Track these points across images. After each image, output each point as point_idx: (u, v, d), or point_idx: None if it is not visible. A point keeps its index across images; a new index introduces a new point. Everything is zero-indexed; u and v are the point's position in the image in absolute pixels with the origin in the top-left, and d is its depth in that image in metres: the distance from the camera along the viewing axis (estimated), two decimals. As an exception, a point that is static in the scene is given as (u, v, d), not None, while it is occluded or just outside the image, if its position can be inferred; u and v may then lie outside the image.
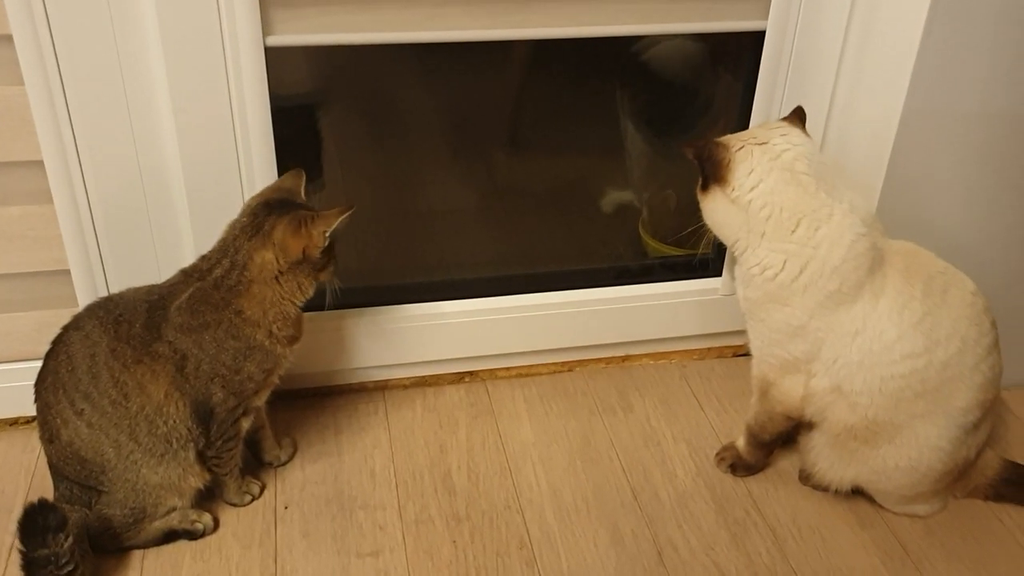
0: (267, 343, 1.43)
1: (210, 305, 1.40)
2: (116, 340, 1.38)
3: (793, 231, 1.41)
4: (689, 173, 1.51)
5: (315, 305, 1.51)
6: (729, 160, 1.43)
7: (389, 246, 2.00)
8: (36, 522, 1.33)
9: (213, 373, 1.41)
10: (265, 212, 1.41)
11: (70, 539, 1.33)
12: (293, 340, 1.47)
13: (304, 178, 1.48)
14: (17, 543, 1.33)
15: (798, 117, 1.50)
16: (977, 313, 1.45)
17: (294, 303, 1.44)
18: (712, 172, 1.45)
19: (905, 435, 1.46)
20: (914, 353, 1.41)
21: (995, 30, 1.50)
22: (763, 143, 1.43)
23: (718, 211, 1.46)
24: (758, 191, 1.42)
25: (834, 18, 1.57)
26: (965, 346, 1.42)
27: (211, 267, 1.41)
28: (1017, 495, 1.61)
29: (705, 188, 1.47)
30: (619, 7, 1.53)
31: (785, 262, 1.42)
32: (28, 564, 1.32)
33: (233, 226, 1.42)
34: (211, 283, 1.40)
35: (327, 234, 1.40)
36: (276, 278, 1.41)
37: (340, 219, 1.40)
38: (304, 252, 1.40)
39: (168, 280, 1.45)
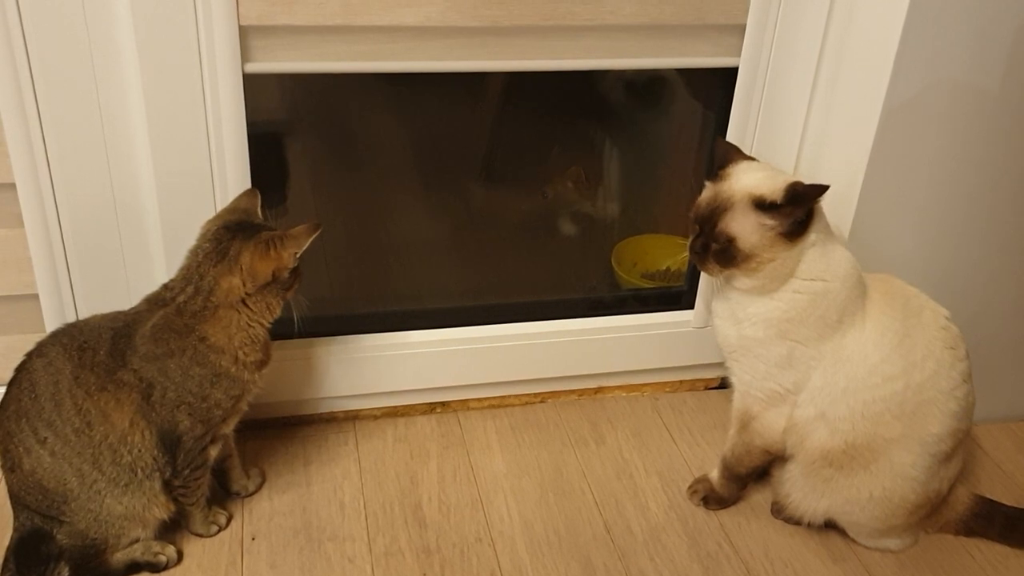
0: (233, 369, 1.41)
1: (174, 332, 1.38)
2: (80, 367, 1.36)
3: (826, 269, 1.42)
4: (668, 203, 1.51)
5: (285, 332, 1.50)
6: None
7: (361, 275, 2.00)
8: (38, 551, 1.32)
9: (179, 401, 1.39)
10: (228, 236, 1.39)
11: (67, 570, 1.31)
12: (261, 365, 1.45)
13: (259, 197, 1.47)
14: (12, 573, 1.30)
15: (743, 154, 1.50)
16: (952, 337, 1.47)
17: (263, 325, 1.43)
18: (810, 215, 1.39)
19: (880, 463, 1.47)
20: (894, 375, 1.43)
21: (963, 72, 1.53)
22: None
23: (797, 257, 1.40)
24: (822, 234, 1.42)
25: (806, 55, 1.59)
26: (940, 368, 1.44)
27: (175, 295, 1.39)
28: (988, 530, 1.62)
29: (801, 234, 1.39)
30: (593, 41, 1.55)
31: (810, 301, 1.42)
32: None
33: (195, 252, 1.40)
34: (174, 309, 1.38)
35: (298, 255, 1.39)
36: (243, 301, 1.39)
37: (311, 239, 1.39)
38: (274, 274, 1.39)
39: (133, 308, 1.43)
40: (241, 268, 1.37)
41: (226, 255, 1.38)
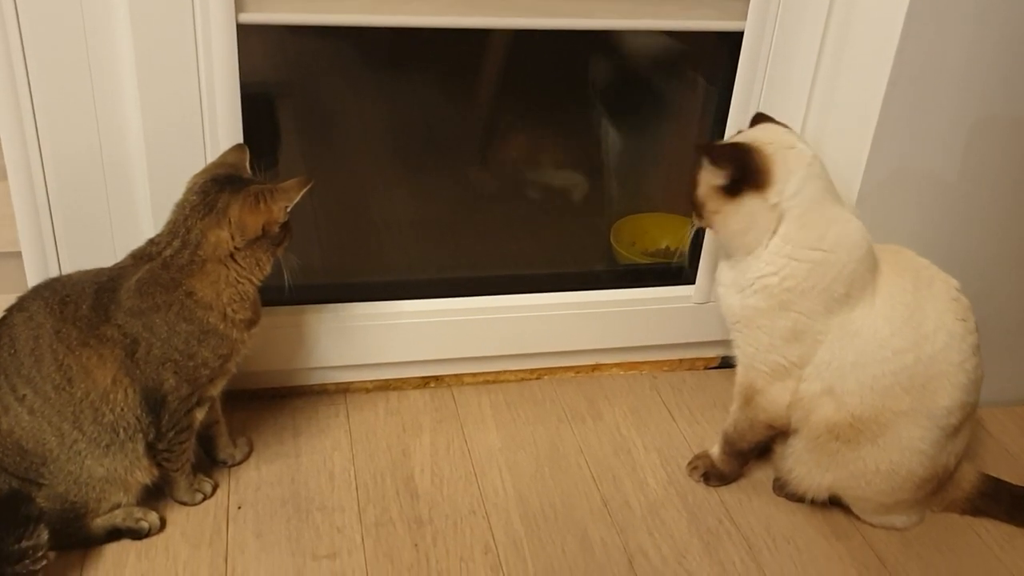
0: (222, 327, 1.37)
1: (160, 286, 1.33)
2: (61, 321, 1.31)
3: (823, 238, 1.39)
4: (669, 176, 1.48)
5: (274, 298, 1.46)
6: (770, 166, 1.38)
7: (356, 244, 1.96)
8: (17, 512, 1.25)
9: (165, 358, 1.34)
10: (216, 189, 1.34)
11: (47, 532, 1.26)
12: (251, 324, 1.41)
13: (248, 153, 1.43)
14: None
15: (769, 119, 1.48)
16: (963, 309, 1.44)
17: (252, 282, 1.38)
18: (749, 178, 1.38)
19: (888, 436, 1.43)
20: (904, 348, 1.40)
21: (972, 29, 1.50)
22: (793, 148, 1.40)
23: (746, 217, 1.40)
24: (799, 199, 1.38)
25: (812, 18, 1.56)
26: (951, 340, 1.41)
27: (161, 249, 1.35)
28: (994, 509, 1.58)
29: (737, 193, 1.39)
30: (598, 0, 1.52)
31: (809, 270, 1.39)
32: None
33: (182, 206, 1.35)
34: (161, 263, 1.34)
35: (288, 209, 1.35)
36: (231, 256, 1.35)
37: (302, 192, 1.35)
38: (263, 228, 1.35)
39: (118, 263, 1.39)
40: (230, 221, 1.33)
41: (214, 208, 1.33)
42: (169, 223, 1.37)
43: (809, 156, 1.40)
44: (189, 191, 1.37)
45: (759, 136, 1.43)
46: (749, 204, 1.39)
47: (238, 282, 1.37)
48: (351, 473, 1.58)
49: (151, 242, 1.38)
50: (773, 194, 1.38)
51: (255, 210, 1.34)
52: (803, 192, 1.39)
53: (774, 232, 1.40)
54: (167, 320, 1.33)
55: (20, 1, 1.31)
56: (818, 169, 1.40)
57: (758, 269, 1.42)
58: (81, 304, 1.33)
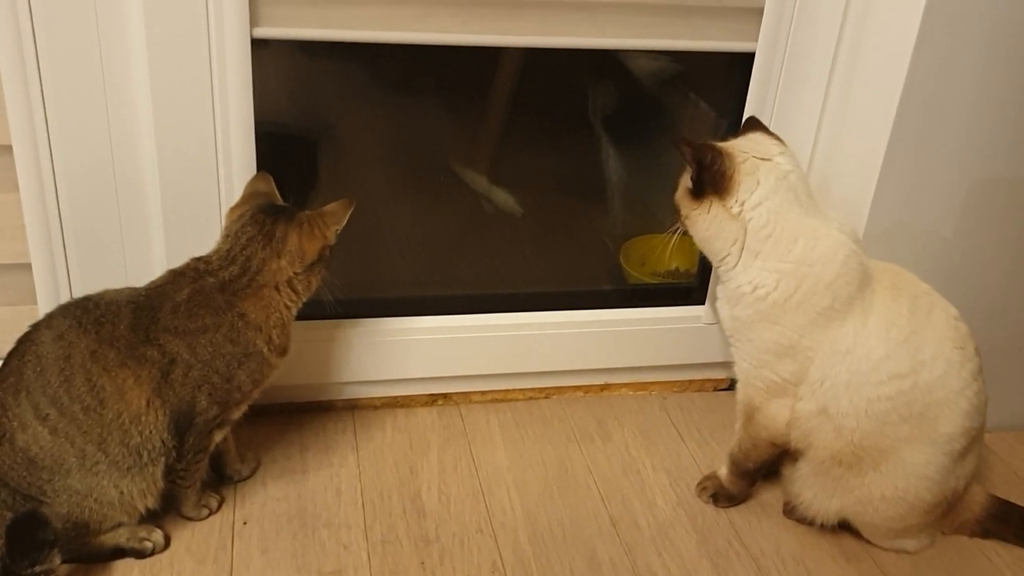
0: (265, 350, 1.38)
1: (211, 308, 1.34)
2: (98, 342, 1.29)
3: (790, 251, 1.39)
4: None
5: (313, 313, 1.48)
6: (734, 172, 1.39)
7: (364, 260, 1.95)
8: (33, 536, 1.24)
9: (203, 380, 1.34)
10: (270, 220, 1.37)
11: (60, 557, 1.25)
12: (283, 351, 1.42)
13: (272, 181, 1.45)
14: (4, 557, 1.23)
15: (762, 128, 1.49)
16: (961, 337, 1.43)
17: (297, 305, 1.41)
18: (712, 182, 1.40)
19: (891, 462, 1.42)
20: (900, 373, 1.38)
21: (985, 49, 1.50)
22: (767, 159, 1.41)
23: (711, 223, 1.42)
24: (762, 209, 1.39)
25: (823, 40, 1.57)
26: (950, 368, 1.40)
27: (214, 270, 1.36)
28: (1004, 532, 1.57)
29: (699, 196, 1.42)
30: (609, 19, 1.52)
31: (779, 281, 1.39)
32: None
33: (237, 236, 1.37)
34: (215, 284, 1.35)
35: (339, 231, 1.40)
36: (288, 282, 1.38)
37: (348, 214, 1.40)
38: (319, 253, 1.39)
39: (155, 281, 1.38)
40: (290, 251, 1.37)
41: (272, 238, 1.37)
42: (223, 251, 1.38)
43: (784, 170, 1.40)
44: (238, 222, 1.38)
45: (740, 144, 1.44)
46: (714, 210, 1.41)
47: (286, 307, 1.40)
48: (358, 490, 1.57)
49: (199, 259, 1.39)
50: (734, 203, 1.40)
51: (312, 237, 1.38)
52: (766, 204, 1.39)
53: (743, 243, 1.41)
54: (213, 341, 1.34)
55: (37, 14, 1.32)
56: (791, 183, 1.40)
57: (737, 280, 1.43)
58: (119, 324, 1.31)
